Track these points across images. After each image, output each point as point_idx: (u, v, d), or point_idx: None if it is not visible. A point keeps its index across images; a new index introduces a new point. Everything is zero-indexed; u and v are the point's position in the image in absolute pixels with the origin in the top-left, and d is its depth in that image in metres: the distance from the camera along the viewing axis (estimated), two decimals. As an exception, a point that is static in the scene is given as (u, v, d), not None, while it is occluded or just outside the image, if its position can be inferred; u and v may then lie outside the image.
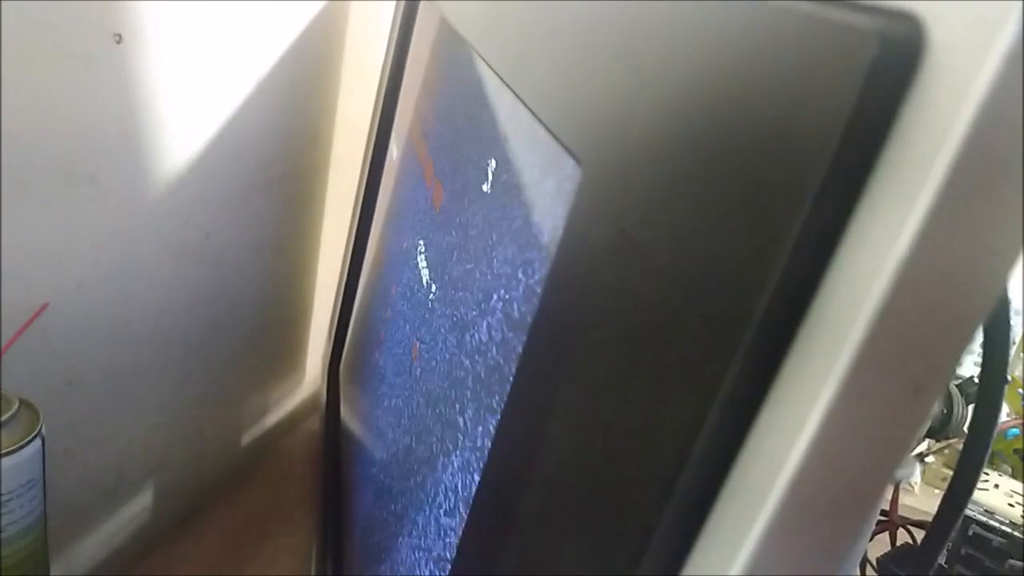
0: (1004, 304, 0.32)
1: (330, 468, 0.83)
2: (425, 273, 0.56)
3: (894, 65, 0.16)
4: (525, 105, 0.37)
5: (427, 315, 0.53)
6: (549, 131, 0.33)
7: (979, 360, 0.40)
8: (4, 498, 0.50)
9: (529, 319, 0.32)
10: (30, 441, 0.51)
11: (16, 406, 0.51)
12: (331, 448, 0.85)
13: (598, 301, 0.27)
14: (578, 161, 0.30)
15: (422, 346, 0.53)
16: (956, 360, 0.17)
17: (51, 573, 0.58)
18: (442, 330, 0.48)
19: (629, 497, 0.23)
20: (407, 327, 0.60)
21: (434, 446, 0.45)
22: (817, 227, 0.18)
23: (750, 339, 0.18)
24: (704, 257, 0.21)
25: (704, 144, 0.22)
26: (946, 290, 0.17)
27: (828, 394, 0.17)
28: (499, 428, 0.34)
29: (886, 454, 0.18)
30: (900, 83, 0.17)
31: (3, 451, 0.49)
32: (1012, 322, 0.33)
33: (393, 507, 0.53)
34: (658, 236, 0.24)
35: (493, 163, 0.43)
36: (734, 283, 0.19)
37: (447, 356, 0.46)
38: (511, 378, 0.33)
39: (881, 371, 0.17)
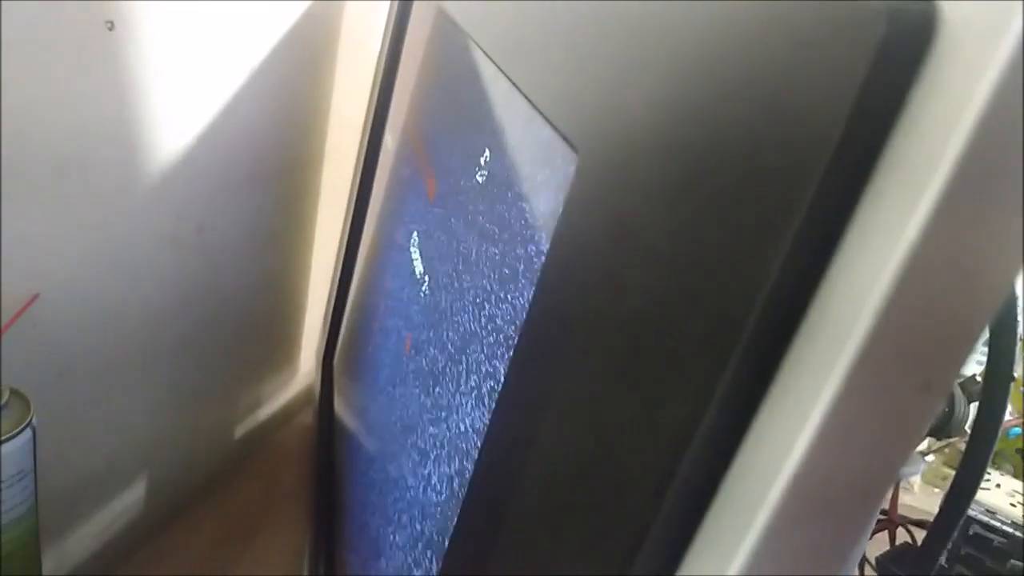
0: (1011, 301, 0.32)
1: (324, 461, 0.82)
2: (419, 265, 0.55)
3: (904, 45, 0.16)
4: (521, 93, 0.37)
5: (420, 307, 0.52)
6: (545, 119, 0.32)
7: (981, 358, 0.39)
8: (-3, 487, 0.50)
9: (524, 310, 0.32)
10: (21, 431, 0.50)
11: (6, 397, 0.51)
12: (325, 441, 0.85)
13: (595, 291, 0.26)
14: (575, 149, 0.29)
15: (415, 338, 0.52)
16: (966, 355, 0.17)
17: (43, 565, 0.58)
18: (435, 322, 0.47)
19: (625, 492, 0.22)
20: (401, 319, 0.59)
21: (428, 439, 0.44)
22: (822, 215, 0.17)
23: (751, 332, 0.18)
24: (704, 247, 0.20)
25: (705, 130, 0.22)
26: (956, 282, 0.16)
27: (832, 388, 0.16)
28: (493, 421, 0.33)
29: (892, 451, 0.17)
30: (911, 63, 0.16)
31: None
32: (1018, 319, 0.32)
33: (386, 500, 0.53)
34: (657, 225, 0.23)
35: (488, 152, 0.42)
36: (735, 274, 0.19)
37: (440, 348, 0.45)
38: (505, 371, 0.33)
39: (888, 365, 0.16)
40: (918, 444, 0.48)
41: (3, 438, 0.49)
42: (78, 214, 0.57)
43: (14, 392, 0.52)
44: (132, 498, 0.76)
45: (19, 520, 0.53)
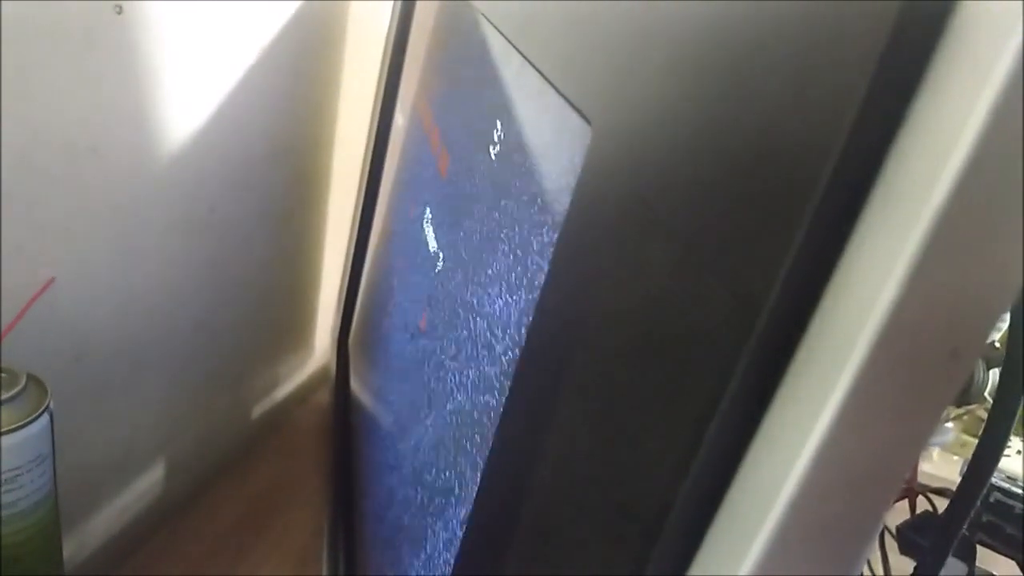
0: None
1: (341, 439, 0.83)
2: (432, 242, 0.55)
3: (926, 10, 0.15)
4: (532, 65, 0.36)
5: (435, 283, 0.52)
6: (558, 92, 0.32)
7: (1000, 324, 0.39)
8: (14, 473, 0.50)
9: (539, 285, 0.32)
10: (38, 416, 0.50)
11: (24, 382, 0.51)
12: (341, 420, 0.85)
13: (610, 265, 0.26)
14: (588, 121, 0.28)
15: (430, 315, 0.52)
16: (995, 321, 0.16)
17: (63, 547, 0.58)
18: (450, 298, 0.47)
19: (646, 469, 0.22)
20: (415, 297, 0.59)
21: (444, 415, 0.44)
22: (844, 186, 0.17)
23: (773, 304, 0.17)
24: (723, 218, 0.20)
25: (722, 102, 0.21)
26: (983, 247, 0.16)
27: (858, 358, 0.16)
28: (508, 401, 0.33)
29: (921, 419, 0.17)
30: (932, 28, 0.16)
31: (12, 427, 0.49)
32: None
33: (404, 476, 0.53)
34: (672, 197, 0.23)
35: (501, 127, 0.41)
36: (756, 245, 0.18)
37: (456, 324, 0.45)
38: (520, 348, 0.33)
39: (916, 332, 0.16)
40: (945, 413, 0.47)
41: (21, 423, 0.49)
42: (91, 198, 0.57)
43: (31, 377, 0.52)
44: (151, 480, 0.77)
45: (39, 504, 0.53)
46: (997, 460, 0.32)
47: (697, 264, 0.21)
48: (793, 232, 0.17)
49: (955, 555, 0.44)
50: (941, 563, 0.36)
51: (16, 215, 0.51)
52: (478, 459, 0.36)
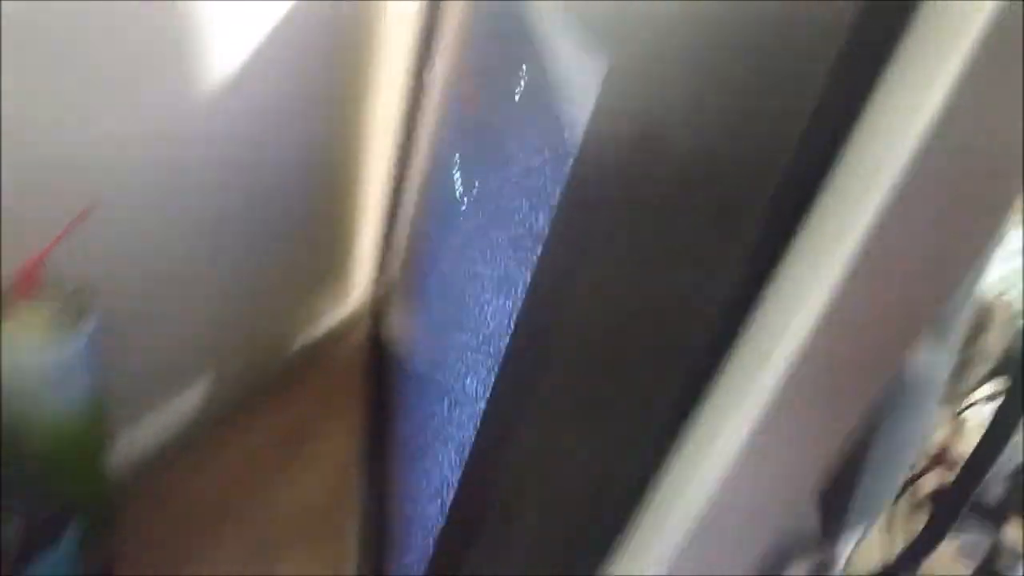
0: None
1: (375, 376, 0.85)
2: (459, 185, 0.55)
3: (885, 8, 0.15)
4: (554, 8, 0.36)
5: (464, 226, 0.53)
6: (577, 27, 0.32)
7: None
8: (61, 377, 0.53)
9: (555, 212, 0.32)
10: (85, 324, 0.53)
11: (70, 291, 0.53)
12: (376, 357, 0.87)
13: (619, 193, 0.26)
14: (606, 55, 0.28)
15: (458, 254, 0.53)
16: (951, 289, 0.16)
17: (115, 445, 0.62)
18: (476, 239, 0.48)
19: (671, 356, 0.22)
20: (446, 239, 0.60)
21: (464, 353, 0.45)
22: (834, 105, 0.16)
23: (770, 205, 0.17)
24: (725, 128, 0.20)
25: (727, 35, 0.21)
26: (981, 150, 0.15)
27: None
28: (517, 324, 0.34)
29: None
30: (892, 23, 0.15)
31: (57, 333, 0.51)
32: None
33: (432, 412, 0.54)
34: (680, 126, 0.23)
35: (525, 68, 0.41)
36: (752, 169, 0.18)
37: (479, 263, 0.45)
38: (531, 278, 0.33)
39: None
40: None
41: (66, 331, 0.52)
42: (139, 122, 0.58)
43: (78, 287, 0.54)
44: (193, 396, 0.80)
45: (86, 407, 0.56)
46: (1012, 429, 0.31)
47: (700, 184, 0.21)
48: (789, 138, 0.17)
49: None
50: (953, 520, 0.35)
51: (68, 133, 0.53)
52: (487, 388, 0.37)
